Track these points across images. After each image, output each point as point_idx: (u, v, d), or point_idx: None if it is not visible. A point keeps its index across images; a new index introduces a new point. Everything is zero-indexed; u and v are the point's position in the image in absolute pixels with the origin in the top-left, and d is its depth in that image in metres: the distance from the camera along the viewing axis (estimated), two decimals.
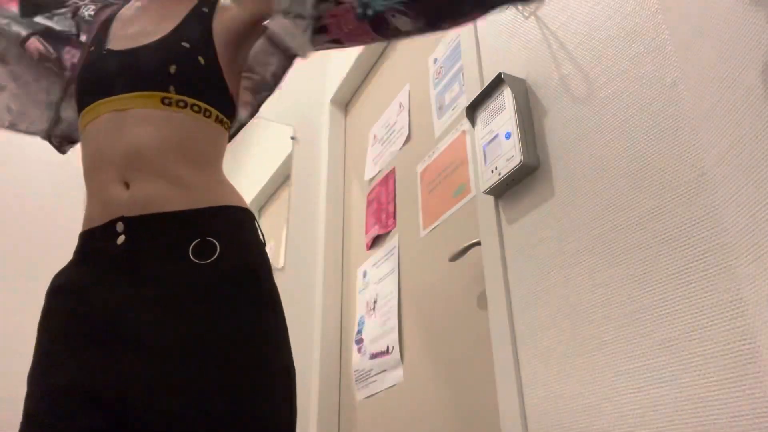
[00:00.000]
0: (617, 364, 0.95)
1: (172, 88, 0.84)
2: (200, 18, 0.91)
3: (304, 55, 0.93)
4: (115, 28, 0.93)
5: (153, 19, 0.92)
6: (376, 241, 2.08)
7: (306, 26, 0.88)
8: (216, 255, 0.80)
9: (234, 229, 0.84)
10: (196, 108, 0.85)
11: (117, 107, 0.83)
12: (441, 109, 1.85)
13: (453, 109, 1.77)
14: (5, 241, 2.08)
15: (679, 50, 0.93)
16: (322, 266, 2.29)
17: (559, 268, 1.12)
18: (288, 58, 0.96)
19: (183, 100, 0.84)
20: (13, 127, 0.96)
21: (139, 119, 0.83)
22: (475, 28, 1.59)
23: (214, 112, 0.88)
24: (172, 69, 0.84)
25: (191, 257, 0.79)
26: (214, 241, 0.81)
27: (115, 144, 0.82)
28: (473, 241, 1.43)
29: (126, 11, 0.96)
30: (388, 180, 2.09)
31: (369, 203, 2.21)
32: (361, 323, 2.01)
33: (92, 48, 0.91)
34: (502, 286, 1.26)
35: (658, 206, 0.93)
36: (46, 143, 2.22)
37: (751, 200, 0.77)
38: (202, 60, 0.86)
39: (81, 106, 0.87)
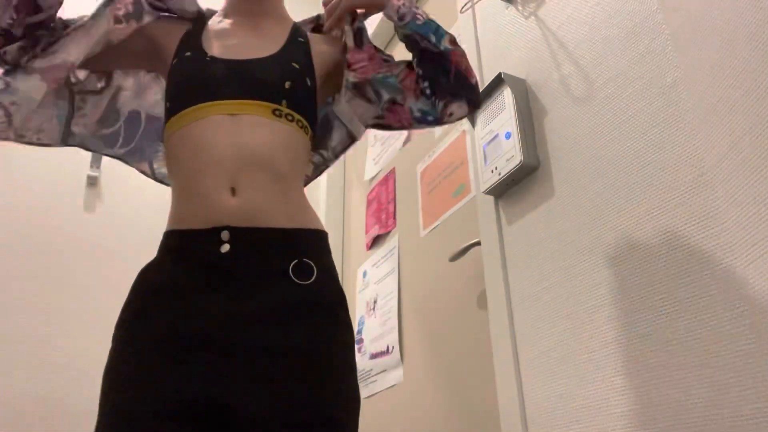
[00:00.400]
0: (617, 364, 0.95)
1: (284, 102, 0.89)
2: (300, 45, 0.99)
3: (359, 137, 1.10)
4: (209, 37, 0.97)
5: (254, 36, 0.98)
6: (376, 241, 2.08)
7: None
8: (313, 277, 0.84)
9: (324, 253, 0.90)
10: (300, 123, 0.91)
11: (231, 111, 0.87)
12: None
13: None
14: (5, 241, 2.08)
15: (679, 50, 0.93)
16: None
17: (559, 268, 1.12)
18: (348, 135, 1.10)
19: (291, 115, 0.89)
20: (21, 139, 0.95)
21: (254, 124, 0.87)
22: (475, 27, 1.59)
23: (310, 130, 0.94)
24: (287, 84, 0.90)
25: (291, 276, 0.83)
26: (311, 263, 0.85)
27: (226, 145, 0.85)
28: (473, 241, 1.43)
29: (216, 24, 1.00)
30: (388, 180, 2.09)
31: (369, 203, 2.21)
32: (361, 323, 2.01)
33: (188, 53, 0.94)
34: (502, 286, 1.26)
35: (658, 206, 0.93)
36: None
37: (751, 200, 0.77)
38: (308, 82, 0.94)
39: (180, 106, 0.89)
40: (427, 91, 1.00)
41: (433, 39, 0.99)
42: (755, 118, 0.77)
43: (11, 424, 1.83)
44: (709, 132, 0.86)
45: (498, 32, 1.48)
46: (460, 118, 1.03)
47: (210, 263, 0.82)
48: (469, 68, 1.01)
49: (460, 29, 1.68)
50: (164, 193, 2.56)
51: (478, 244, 1.43)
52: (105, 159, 2.33)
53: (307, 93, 0.93)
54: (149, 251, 2.26)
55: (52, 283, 2.06)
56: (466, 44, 1.61)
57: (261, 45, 0.96)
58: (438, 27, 1.01)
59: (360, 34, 1.03)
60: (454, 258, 1.46)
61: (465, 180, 1.60)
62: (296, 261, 0.84)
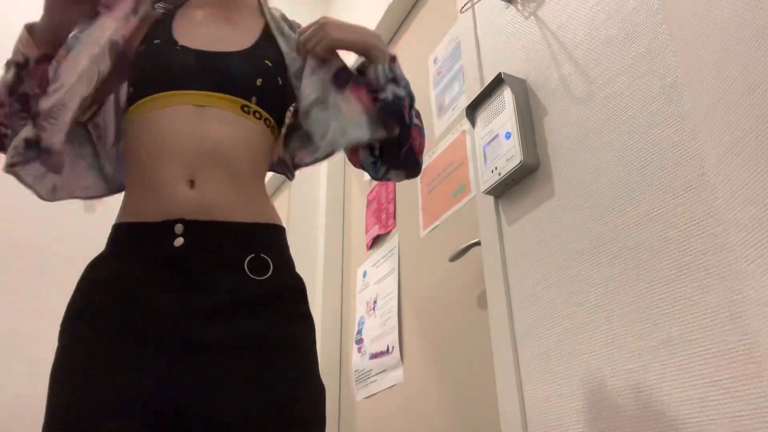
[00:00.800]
0: (617, 364, 0.95)
1: (254, 98, 0.87)
2: (272, 42, 0.97)
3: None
4: (180, 26, 0.93)
5: (227, 28, 0.95)
6: (376, 241, 2.08)
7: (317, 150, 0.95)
8: (269, 272, 0.82)
9: (281, 248, 0.87)
10: (268, 122, 0.90)
11: (197, 102, 0.84)
12: (441, 109, 1.86)
13: (453, 109, 1.77)
14: (5, 241, 2.08)
15: (679, 50, 0.93)
16: (322, 266, 2.29)
17: (559, 268, 1.12)
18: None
19: (259, 112, 0.88)
20: (71, 195, 0.93)
21: (220, 118, 0.85)
22: (475, 27, 1.59)
23: (276, 130, 0.92)
24: (259, 82, 0.88)
25: (247, 271, 0.81)
26: (268, 258, 0.83)
27: (189, 136, 0.82)
28: (473, 241, 1.43)
29: (187, 13, 0.97)
30: None
31: (369, 203, 2.21)
32: (361, 323, 2.01)
33: (157, 41, 0.90)
34: (502, 286, 1.26)
35: (658, 206, 0.93)
36: None
37: (751, 200, 0.77)
38: (279, 81, 0.92)
39: (143, 92, 0.86)
40: (375, 152, 0.97)
41: (405, 117, 0.93)
42: (755, 118, 0.77)
43: (11, 424, 1.83)
44: (709, 132, 0.86)
45: (498, 32, 1.48)
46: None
47: (163, 257, 0.78)
48: (421, 147, 0.98)
49: (460, 29, 1.68)
50: None
51: (478, 244, 1.43)
52: None
53: (277, 91, 0.92)
54: None
55: (51, 282, 2.06)
56: (466, 44, 1.62)
57: (234, 38, 0.93)
58: (412, 98, 0.96)
59: (340, 76, 0.95)
60: (454, 258, 1.46)
61: (465, 180, 1.60)
62: (252, 256, 0.82)
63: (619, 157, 1.03)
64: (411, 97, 0.95)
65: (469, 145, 1.62)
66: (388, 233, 2.01)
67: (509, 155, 1.25)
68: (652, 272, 0.92)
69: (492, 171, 1.30)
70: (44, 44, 0.85)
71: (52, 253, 2.10)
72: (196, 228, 0.80)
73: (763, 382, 0.73)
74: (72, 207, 2.19)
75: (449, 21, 1.93)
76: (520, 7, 1.40)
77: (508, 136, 1.27)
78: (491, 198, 1.36)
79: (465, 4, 1.61)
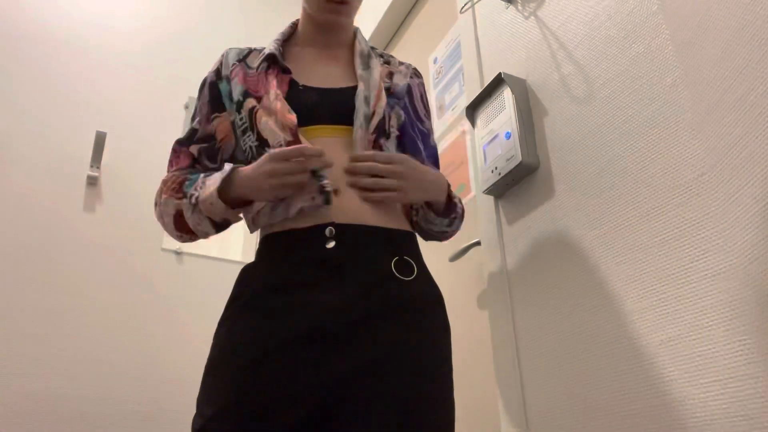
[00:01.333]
0: (617, 365, 0.95)
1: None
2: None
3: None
4: (298, 68, 1.03)
5: (335, 65, 1.06)
6: None
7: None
8: (415, 274, 0.89)
9: (419, 254, 0.95)
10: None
11: (328, 134, 0.95)
12: (441, 109, 1.85)
13: (453, 109, 1.77)
14: (5, 241, 2.08)
15: (679, 50, 0.93)
16: None
17: (559, 268, 1.12)
18: None
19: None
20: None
21: (348, 145, 0.94)
22: (475, 27, 1.59)
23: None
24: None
25: (394, 271, 0.86)
26: (411, 261, 0.90)
27: (331, 158, 0.90)
28: (473, 241, 1.43)
29: (295, 55, 1.07)
30: None
31: None
32: None
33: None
34: (502, 286, 1.26)
35: (658, 206, 0.93)
36: (44, 144, 2.21)
37: (751, 200, 0.77)
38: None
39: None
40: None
41: (447, 229, 1.08)
42: (755, 118, 0.77)
43: (11, 424, 1.83)
44: (709, 132, 0.86)
45: (498, 32, 1.48)
46: None
47: (319, 260, 0.84)
48: (452, 234, 1.12)
49: (460, 29, 1.67)
50: None
51: (478, 244, 1.43)
52: (105, 159, 2.34)
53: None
54: (149, 251, 2.29)
55: (51, 282, 2.06)
56: (466, 44, 1.62)
57: (342, 74, 1.04)
58: (456, 225, 1.09)
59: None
60: (454, 258, 1.46)
61: (465, 180, 1.60)
62: (397, 258, 0.88)
63: (619, 157, 1.03)
64: (455, 225, 1.08)
65: (469, 145, 1.62)
66: None
67: (509, 155, 1.25)
68: (652, 272, 0.92)
69: (492, 171, 1.30)
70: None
71: (52, 254, 2.10)
72: (344, 231, 0.86)
73: (763, 383, 0.73)
74: (71, 207, 2.19)
75: (449, 21, 1.93)
76: (520, 7, 1.40)
77: (508, 136, 1.27)
78: (491, 198, 1.36)
79: (465, 4, 1.61)
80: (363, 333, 0.80)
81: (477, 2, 1.58)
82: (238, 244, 2.45)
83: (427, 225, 1.04)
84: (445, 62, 1.89)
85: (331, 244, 0.85)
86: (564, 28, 1.23)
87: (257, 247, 0.95)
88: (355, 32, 1.13)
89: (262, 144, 0.95)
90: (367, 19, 2.50)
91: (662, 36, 0.98)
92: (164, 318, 2.18)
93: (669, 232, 0.90)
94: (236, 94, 1.01)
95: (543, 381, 1.10)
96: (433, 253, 1.68)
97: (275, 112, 0.93)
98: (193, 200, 0.93)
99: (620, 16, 1.08)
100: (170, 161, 1.05)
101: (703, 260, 0.84)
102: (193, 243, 2.35)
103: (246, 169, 0.91)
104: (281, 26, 3.05)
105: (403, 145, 1.06)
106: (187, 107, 2.60)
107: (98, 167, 2.28)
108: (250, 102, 0.98)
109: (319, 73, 1.04)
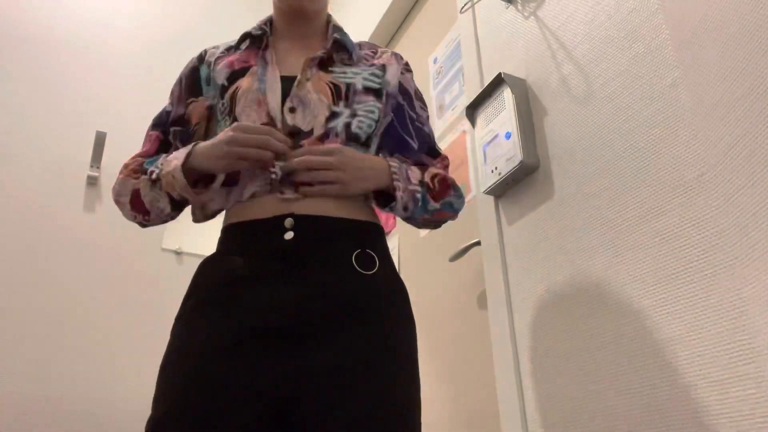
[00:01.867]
0: (617, 364, 0.95)
1: None
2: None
3: None
4: (276, 58, 1.02)
5: (307, 55, 1.03)
6: None
7: None
8: (376, 268, 0.86)
9: (383, 246, 0.92)
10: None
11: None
12: (441, 109, 1.85)
13: (453, 109, 1.77)
14: (5, 241, 2.08)
15: (679, 50, 0.93)
16: None
17: (559, 268, 1.11)
18: None
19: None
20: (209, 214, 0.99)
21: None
22: (475, 27, 1.59)
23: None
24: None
25: (355, 265, 0.84)
26: (373, 254, 0.88)
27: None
28: (473, 241, 1.43)
29: (274, 44, 1.06)
30: None
31: None
32: None
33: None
34: (502, 286, 1.26)
35: (658, 206, 0.93)
36: (44, 144, 2.22)
37: (751, 200, 0.77)
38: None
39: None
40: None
41: (424, 215, 1.00)
42: (755, 118, 0.77)
43: (11, 424, 1.83)
44: (709, 132, 0.86)
45: (498, 32, 1.48)
46: None
47: (275, 251, 0.82)
48: (447, 217, 1.05)
49: (460, 29, 1.68)
50: None
51: (478, 244, 1.43)
52: (105, 159, 2.34)
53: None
54: (149, 251, 2.29)
55: (51, 282, 2.06)
56: (466, 44, 1.62)
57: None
58: (425, 201, 0.99)
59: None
60: (454, 258, 1.46)
61: (465, 180, 1.60)
62: (359, 251, 0.86)
63: (619, 157, 1.03)
64: (426, 199, 0.99)
65: (469, 145, 1.62)
66: (388, 233, 2.01)
67: (509, 155, 1.25)
68: (652, 272, 0.92)
69: (492, 171, 1.30)
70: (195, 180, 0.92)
71: (52, 254, 2.10)
72: (303, 222, 0.84)
73: (763, 383, 0.73)
74: (71, 207, 2.19)
75: (449, 21, 1.93)
76: (520, 7, 1.40)
77: (508, 136, 1.27)
78: (491, 198, 1.36)
79: (465, 4, 1.61)
80: (322, 329, 0.78)
81: (477, 2, 1.58)
82: None
83: (404, 214, 1.00)
84: (445, 62, 1.89)
85: (290, 236, 0.83)
86: (564, 28, 1.23)
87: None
88: (328, 21, 1.09)
89: None
90: (367, 19, 2.50)
91: (662, 36, 0.98)
92: (164, 318, 2.18)
93: (669, 232, 0.90)
94: (220, 79, 0.99)
95: (543, 381, 1.10)
96: (433, 253, 1.68)
97: (259, 90, 0.93)
98: (154, 176, 0.91)
99: (620, 16, 1.08)
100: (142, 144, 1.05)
101: (703, 260, 0.84)
102: (193, 243, 2.35)
103: (207, 141, 0.90)
104: None
105: (388, 146, 1.04)
106: None
107: (98, 167, 2.28)
108: (234, 86, 0.96)
109: (289, 62, 1.01)
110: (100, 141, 2.24)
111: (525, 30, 1.37)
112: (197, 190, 0.91)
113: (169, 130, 1.03)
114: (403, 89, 1.07)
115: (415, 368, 0.85)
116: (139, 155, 1.01)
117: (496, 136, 1.31)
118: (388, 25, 2.39)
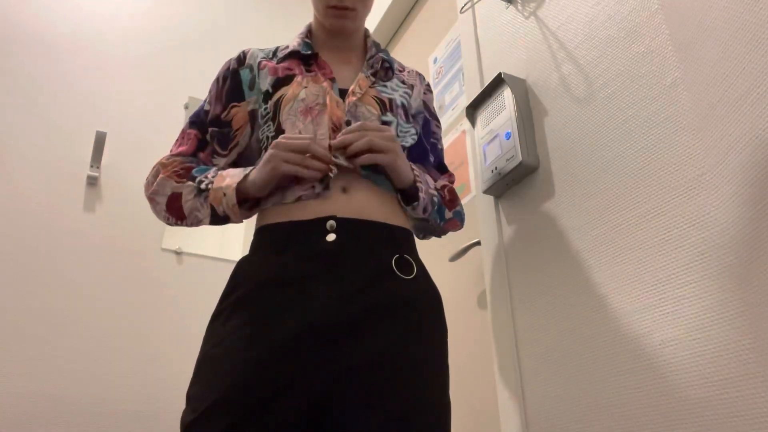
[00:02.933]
0: (618, 364, 0.95)
1: None
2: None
3: None
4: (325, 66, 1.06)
5: (347, 69, 1.09)
6: None
7: None
8: (414, 273, 0.88)
9: (418, 254, 0.95)
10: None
11: None
12: (441, 108, 1.85)
13: (453, 109, 1.77)
14: (5, 241, 2.08)
15: (679, 50, 0.93)
16: None
17: (559, 268, 1.12)
18: None
19: None
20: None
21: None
22: (475, 27, 1.59)
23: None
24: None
25: (395, 269, 0.86)
26: (412, 260, 0.90)
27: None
28: (473, 241, 1.43)
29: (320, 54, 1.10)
30: None
31: None
32: None
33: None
34: (502, 286, 1.26)
35: (658, 206, 0.93)
36: (44, 144, 2.21)
37: (751, 200, 0.77)
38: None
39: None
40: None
41: (438, 221, 1.05)
42: (755, 118, 0.77)
43: (11, 424, 1.83)
44: (709, 132, 0.86)
45: (498, 32, 1.48)
46: None
47: (317, 252, 0.83)
48: (454, 227, 1.11)
49: (460, 29, 1.68)
50: None
51: (478, 244, 1.43)
52: (105, 159, 2.34)
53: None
54: (149, 251, 2.29)
55: (51, 282, 2.06)
56: (466, 44, 1.62)
57: (352, 78, 1.06)
58: (441, 207, 1.05)
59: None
60: (454, 258, 1.46)
61: (465, 180, 1.60)
62: (398, 256, 0.88)
63: (619, 157, 1.03)
64: (440, 203, 1.04)
65: (469, 145, 1.62)
66: None
67: (509, 155, 1.25)
68: (652, 272, 0.92)
69: (492, 171, 1.30)
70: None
71: (52, 254, 2.10)
72: (346, 225, 0.86)
73: (763, 383, 0.73)
74: (71, 207, 2.19)
75: (449, 21, 1.93)
76: (520, 7, 1.40)
77: (508, 136, 1.27)
78: (491, 198, 1.36)
79: (465, 4, 1.61)
80: (362, 330, 0.79)
81: (477, 2, 1.58)
82: (237, 244, 2.44)
83: (420, 221, 1.05)
84: (445, 62, 1.89)
85: (332, 237, 0.84)
86: (564, 28, 1.23)
87: (253, 238, 0.94)
88: (366, 37, 1.15)
89: (279, 135, 0.96)
90: (367, 19, 2.50)
91: (662, 36, 0.98)
92: (164, 318, 2.18)
93: (669, 232, 0.90)
94: (265, 85, 1.02)
95: (543, 381, 1.10)
96: (433, 253, 1.68)
97: (322, 105, 0.96)
98: (203, 186, 0.93)
99: (620, 16, 1.08)
100: (176, 140, 1.06)
101: (703, 260, 0.84)
102: (193, 243, 2.35)
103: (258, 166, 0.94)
104: (280, 29, 3.05)
105: (410, 157, 1.09)
106: (187, 107, 2.60)
107: (98, 167, 2.28)
108: (278, 93, 0.99)
109: (338, 75, 1.06)
110: (100, 141, 2.24)
111: (525, 30, 1.37)
112: (242, 211, 0.94)
113: (207, 129, 1.04)
114: (426, 107, 1.17)
115: (448, 374, 0.87)
116: (178, 154, 1.02)
117: (496, 136, 1.31)
118: (388, 25, 2.39)
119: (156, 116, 2.53)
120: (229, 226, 2.56)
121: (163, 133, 2.49)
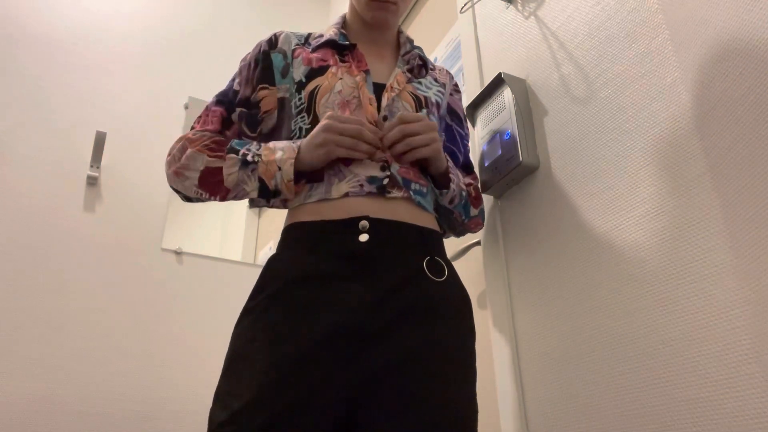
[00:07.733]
0: (617, 364, 0.95)
1: None
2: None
3: None
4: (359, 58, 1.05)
5: (380, 63, 1.09)
6: None
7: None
8: (446, 275, 0.88)
9: (446, 256, 0.95)
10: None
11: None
12: None
13: None
14: (5, 241, 2.08)
15: (679, 50, 0.93)
16: None
17: (559, 268, 1.11)
18: None
19: None
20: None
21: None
22: (475, 27, 1.59)
23: None
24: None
25: (426, 271, 0.86)
26: (443, 262, 0.90)
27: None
28: (473, 241, 1.43)
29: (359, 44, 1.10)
30: None
31: None
32: None
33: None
34: (502, 286, 1.26)
35: (658, 206, 0.93)
36: (44, 144, 2.21)
37: (751, 200, 0.77)
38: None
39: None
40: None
41: (463, 216, 1.07)
42: (755, 117, 0.77)
43: (11, 424, 1.83)
44: (709, 132, 0.86)
45: (498, 32, 1.48)
46: None
47: (349, 252, 0.83)
48: (477, 227, 1.14)
49: (460, 29, 1.67)
50: (164, 194, 2.56)
51: (478, 244, 1.43)
52: (105, 159, 2.34)
53: None
54: (149, 251, 2.30)
55: (51, 282, 2.06)
56: (466, 44, 1.62)
57: (387, 73, 1.06)
58: (467, 204, 1.07)
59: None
60: (454, 258, 1.46)
61: None
62: (429, 258, 0.87)
63: (619, 157, 1.03)
64: (466, 200, 1.07)
65: (469, 145, 1.61)
66: None
67: (509, 155, 1.25)
68: (652, 272, 0.92)
69: (492, 171, 1.30)
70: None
71: (52, 254, 2.10)
72: (379, 225, 0.86)
73: (763, 382, 0.73)
74: (71, 207, 2.19)
75: (449, 21, 1.93)
76: (520, 7, 1.40)
77: (508, 136, 1.27)
78: (491, 198, 1.36)
79: (465, 4, 1.61)
80: (394, 330, 0.79)
81: (477, 2, 1.58)
82: (237, 244, 2.45)
83: (444, 215, 1.06)
84: (445, 62, 1.89)
85: (365, 238, 0.84)
86: (564, 28, 1.23)
87: (280, 236, 0.93)
88: (399, 33, 1.15)
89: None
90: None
91: (662, 36, 0.98)
92: (164, 318, 2.18)
93: (669, 232, 0.90)
94: (298, 74, 1.01)
95: (543, 381, 1.10)
96: None
97: (358, 99, 0.96)
98: (249, 158, 0.91)
99: (620, 16, 1.08)
100: (199, 117, 1.03)
101: (703, 260, 0.84)
102: (193, 243, 2.35)
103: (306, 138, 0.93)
104: (283, 25, 3.05)
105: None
106: (187, 107, 2.60)
107: (98, 167, 2.28)
108: (312, 84, 0.98)
109: (375, 69, 1.06)
110: (100, 141, 2.24)
111: (525, 30, 1.37)
112: (296, 186, 0.91)
113: (234, 109, 1.03)
114: (451, 109, 1.17)
115: (476, 379, 0.86)
116: (205, 130, 0.99)
117: (496, 136, 1.31)
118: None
119: (156, 116, 2.53)
120: (229, 226, 2.55)
121: (163, 133, 2.49)
